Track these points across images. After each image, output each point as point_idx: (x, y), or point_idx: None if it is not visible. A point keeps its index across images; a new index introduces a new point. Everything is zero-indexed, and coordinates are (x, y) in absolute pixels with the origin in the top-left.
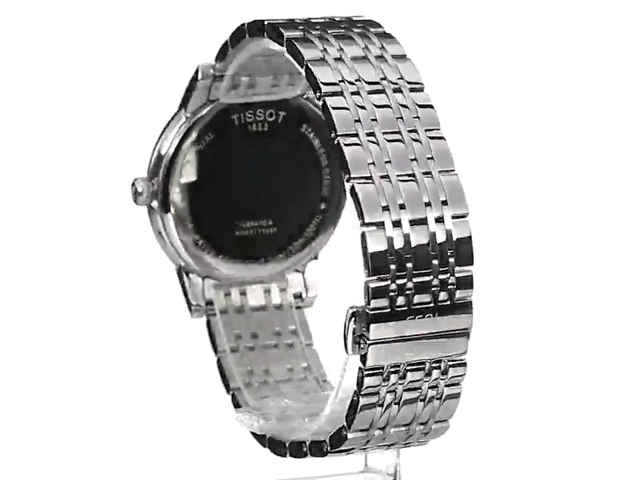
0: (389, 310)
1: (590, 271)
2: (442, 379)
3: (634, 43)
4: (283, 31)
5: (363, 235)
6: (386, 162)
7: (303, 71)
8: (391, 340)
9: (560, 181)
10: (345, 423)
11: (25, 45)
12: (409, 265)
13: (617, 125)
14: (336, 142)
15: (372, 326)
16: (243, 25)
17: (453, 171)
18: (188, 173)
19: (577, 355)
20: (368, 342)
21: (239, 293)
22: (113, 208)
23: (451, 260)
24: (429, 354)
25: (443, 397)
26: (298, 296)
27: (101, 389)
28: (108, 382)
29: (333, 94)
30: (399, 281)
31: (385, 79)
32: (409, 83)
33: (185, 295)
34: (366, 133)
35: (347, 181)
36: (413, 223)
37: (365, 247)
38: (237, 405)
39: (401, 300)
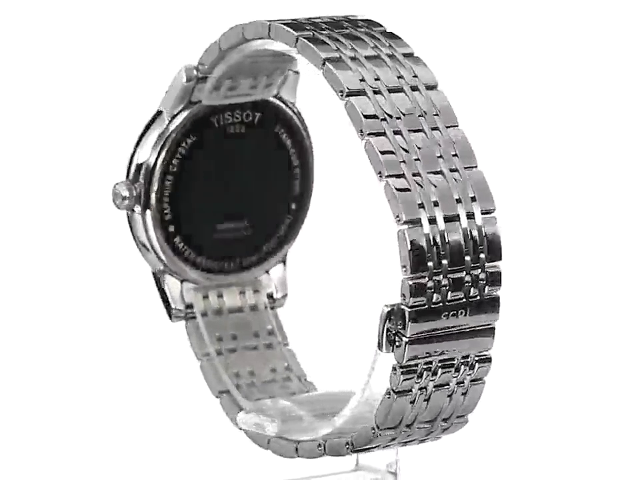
0: (426, 307)
1: (603, 268)
2: (468, 375)
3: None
4: (293, 31)
5: (402, 233)
6: (415, 160)
7: (320, 72)
8: (427, 337)
9: (562, 174)
10: (375, 421)
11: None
12: (445, 261)
13: (624, 123)
14: (365, 141)
15: (411, 324)
16: (239, 25)
17: (476, 167)
18: (170, 176)
19: (581, 356)
20: (405, 339)
21: (216, 295)
22: (89, 210)
23: (482, 256)
24: (461, 350)
25: (468, 392)
26: (270, 296)
27: (81, 397)
28: (86, 390)
29: (357, 93)
30: (436, 278)
31: (401, 77)
32: (423, 81)
33: (165, 299)
34: (393, 132)
35: (380, 179)
36: (446, 219)
37: (404, 245)
38: (228, 408)
39: (436, 297)
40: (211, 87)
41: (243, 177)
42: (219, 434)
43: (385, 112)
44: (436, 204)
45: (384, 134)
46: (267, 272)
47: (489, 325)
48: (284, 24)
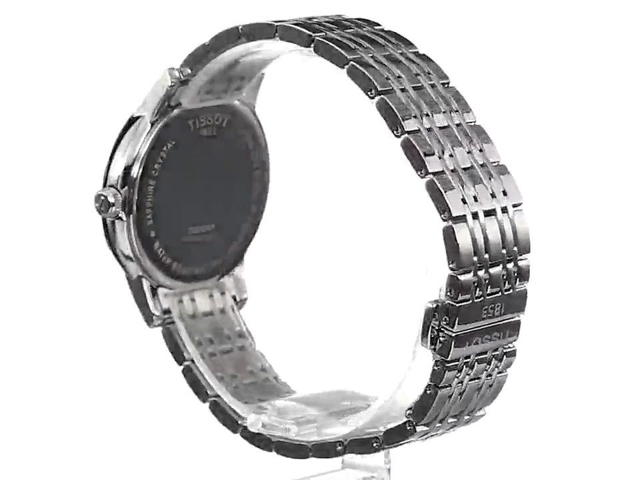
0: (470, 302)
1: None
2: (496, 367)
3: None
4: (307, 31)
5: (450, 229)
6: (449, 156)
7: (343, 72)
8: (469, 332)
9: (568, 165)
10: (411, 417)
11: None
12: (486, 256)
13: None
14: (403, 138)
15: (458, 320)
16: (235, 27)
17: (499, 162)
18: (152, 181)
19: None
20: (452, 335)
21: (189, 299)
22: (57, 219)
23: (515, 249)
24: (494, 343)
25: (493, 385)
26: (234, 298)
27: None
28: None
29: (387, 92)
30: (479, 273)
31: (418, 75)
32: (437, 78)
33: (144, 305)
34: (426, 129)
35: (423, 177)
36: (485, 214)
37: (453, 241)
38: (218, 412)
39: (478, 292)
40: (195, 90)
41: (212, 181)
42: (199, 437)
43: (415, 109)
44: (475, 199)
45: (419, 131)
46: (229, 274)
47: (517, 318)
48: (294, 24)
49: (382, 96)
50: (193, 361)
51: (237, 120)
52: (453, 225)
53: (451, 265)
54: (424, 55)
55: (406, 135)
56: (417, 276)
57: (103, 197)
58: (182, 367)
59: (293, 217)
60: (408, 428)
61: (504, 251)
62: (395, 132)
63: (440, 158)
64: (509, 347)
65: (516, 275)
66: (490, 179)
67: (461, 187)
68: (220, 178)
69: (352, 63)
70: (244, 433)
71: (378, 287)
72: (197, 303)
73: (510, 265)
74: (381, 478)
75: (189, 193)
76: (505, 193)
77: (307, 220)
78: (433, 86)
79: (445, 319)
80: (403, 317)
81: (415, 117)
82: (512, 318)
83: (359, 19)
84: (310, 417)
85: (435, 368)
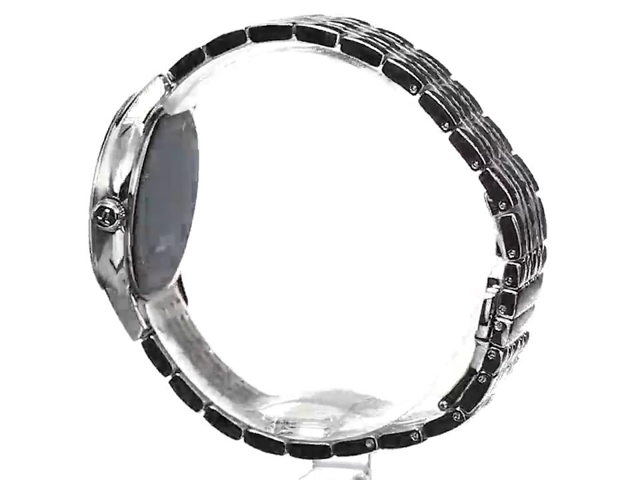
0: (522, 289)
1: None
2: (518, 351)
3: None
4: (333, 31)
5: (509, 219)
6: (486, 146)
7: (378, 69)
8: (519, 318)
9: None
10: (459, 407)
11: None
12: (531, 242)
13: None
14: (453, 132)
15: (517, 307)
16: (242, 30)
17: (512, 150)
18: (143, 190)
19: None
20: (509, 322)
21: (161, 308)
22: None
23: (542, 234)
24: (526, 327)
25: (511, 368)
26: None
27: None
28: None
29: (428, 87)
30: (528, 259)
31: (433, 70)
32: (446, 73)
33: (131, 316)
34: (466, 122)
35: (477, 169)
36: (526, 202)
37: (512, 229)
38: (217, 419)
39: (524, 277)
40: (179, 96)
41: (174, 186)
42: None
43: (452, 104)
44: (517, 188)
45: (463, 124)
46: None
47: (535, 301)
48: (311, 25)
49: (425, 92)
50: (179, 370)
51: (188, 125)
52: (511, 214)
53: (510, 254)
54: (424, 51)
55: (456, 130)
56: (419, 273)
57: (108, 209)
58: (170, 378)
59: (304, 216)
60: (455, 418)
61: (538, 238)
62: (442, 126)
63: (487, 150)
64: (527, 331)
65: (542, 258)
66: (517, 168)
67: (508, 178)
68: (178, 184)
69: (388, 60)
70: (248, 438)
71: (377, 286)
72: (166, 311)
73: (540, 249)
74: (370, 477)
75: (161, 201)
76: (529, 181)
77: (314, 217)
78: (447, 80)
79: (502, 307)
80: (403, 317)
81: (456, 110)
82: (535, 302)
83: (353, 19)
84: (331, 415)
85: (490, 357)
